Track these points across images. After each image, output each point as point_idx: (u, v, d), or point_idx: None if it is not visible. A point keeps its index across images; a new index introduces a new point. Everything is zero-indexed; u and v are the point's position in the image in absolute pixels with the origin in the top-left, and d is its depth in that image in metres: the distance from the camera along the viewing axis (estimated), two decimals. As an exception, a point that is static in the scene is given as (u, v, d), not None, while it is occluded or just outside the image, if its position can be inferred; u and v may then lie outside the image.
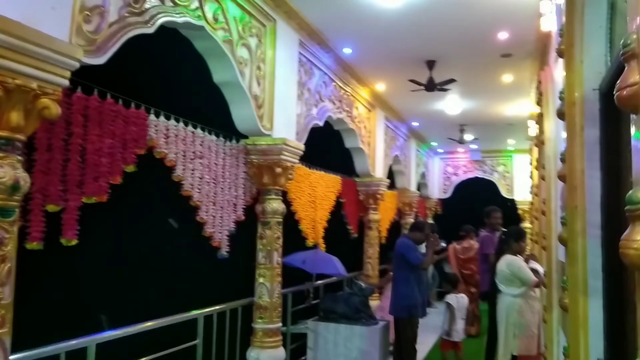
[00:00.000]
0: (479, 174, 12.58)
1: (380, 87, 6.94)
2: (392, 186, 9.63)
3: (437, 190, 12.82)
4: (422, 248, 5.54)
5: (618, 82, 1.16)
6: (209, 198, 4.11)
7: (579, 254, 2.44)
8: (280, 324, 4.58)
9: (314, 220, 5.99)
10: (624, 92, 1.13)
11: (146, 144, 3.43)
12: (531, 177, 9.79)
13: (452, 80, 5.84)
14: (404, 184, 9.79)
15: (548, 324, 4.24)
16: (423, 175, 11.68)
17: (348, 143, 6.89)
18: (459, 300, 5.77)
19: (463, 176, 12.75)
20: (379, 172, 7.66)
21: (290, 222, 5.69)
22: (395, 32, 4.92)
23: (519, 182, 12.05)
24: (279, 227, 4.56)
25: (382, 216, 8.73)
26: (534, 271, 4.60)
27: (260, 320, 4.45)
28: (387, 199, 9.03)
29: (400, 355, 5.35)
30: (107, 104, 3.12)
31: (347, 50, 5.56)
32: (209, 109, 4.71)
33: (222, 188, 4.26)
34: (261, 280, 4.47)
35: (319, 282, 6.11)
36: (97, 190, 3.00)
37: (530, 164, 9.53)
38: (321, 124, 5.56)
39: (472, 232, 8.32)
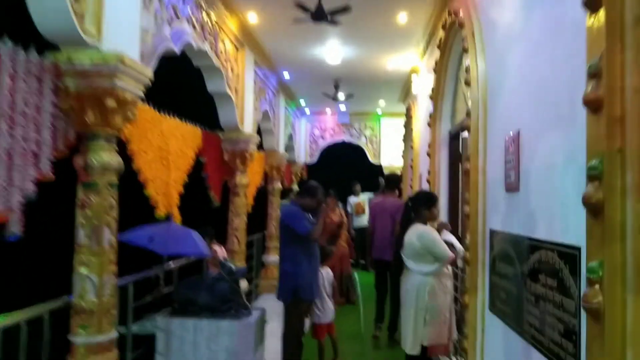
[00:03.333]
0: (347, 138, 11.92)
1: (253, 17, 5.55)
2: (259, 146, 8.37)
3: (304, 154, 11.89)
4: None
5: None
6: (-16, 141, 2.44)
7: (628, 224, 1.48)
8: (115, 334, 3.10)
9: (166, 184, 4.48)
10: None
11: None
12: (405, 140, 9.32)
13: (346, 9, 4.71)
14: (273, 145, 8.58)
15: (471, 309, 3.43)
16: (291, 137, 10.60)
17: (211, 85, 5.41)
18: (324, 276, 4.81)
19: (330, 140, 11.98)
20: (248, 127, 6.33)
21: (131, 185, 4.14)
22: None
23: (386, 146, 11.66)
24: (112, 191, 3.04)
25: (249, 180, 7.45)
26: (449, 244, 3.77)
27: (82, 331, 2.93)
28: (254, 161, 7.75)
29: (285, 348, 4.26)
30: None
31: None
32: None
33: (11, 127, 2.60)
34: (83, 270, 2.93)
35: (173, 264, 4.65)
36: None
37: (405, 125, 9.00)
38: (177, 50, 4.03)
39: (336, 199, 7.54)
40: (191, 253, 4.44)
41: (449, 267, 3.91)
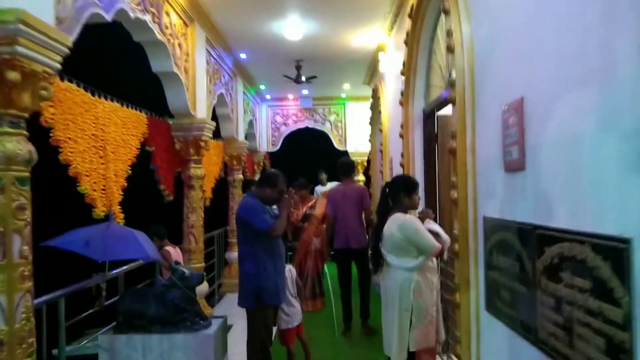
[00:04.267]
0: (310, 124, 11.37)
1: (201, -13, 4.92)
2: (216, 135, 7.74)
3: (266, 142, 11.28)
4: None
5: None
6: None
7: None
8: (35, 366, 2.49)
9: (104, 178, 3.85)
10: None
11: None
12: (372, 123, 8.85)
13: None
14: (232, 133, 7.95)
15: (463, 308, 2.99)
16: (251, 124, 9.97)
17: (156, 64, 4.76)
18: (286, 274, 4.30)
19: (293, 126, 11.40)
20: (202, 111, 5.70)
21: (59, 180, 3.52)
22: None
23: (352, 132, 11.19)
24: (22, 189, 2.41)
25: (205, 172, 6.84)
26: (434, 234, 3.31)
27: (-12, 367, 2.32)
28: (212, 150, 7.13)
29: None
30: None
31: None
32: None
33: None
34: (-13, 290, 2.31)
35: (118, 270, 4.03)
36: None
37: (372, 108, 8.54)
38: (108, 18, 3.38)
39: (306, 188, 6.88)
40: (135, 257, 3.83)
41: (434, 260, 3.45)
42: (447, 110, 4.52)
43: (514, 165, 2.30)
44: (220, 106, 7.42)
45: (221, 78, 7.06)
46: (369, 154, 9.49)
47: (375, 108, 8.07)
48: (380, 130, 7.06)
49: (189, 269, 3.70)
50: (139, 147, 4.55)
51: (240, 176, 8.62)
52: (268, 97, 10.97)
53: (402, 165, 5.16)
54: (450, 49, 3.13)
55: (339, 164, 5.95)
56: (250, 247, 3.67)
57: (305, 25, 6.13)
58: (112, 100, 4.07)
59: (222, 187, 8.01)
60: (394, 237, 3.28)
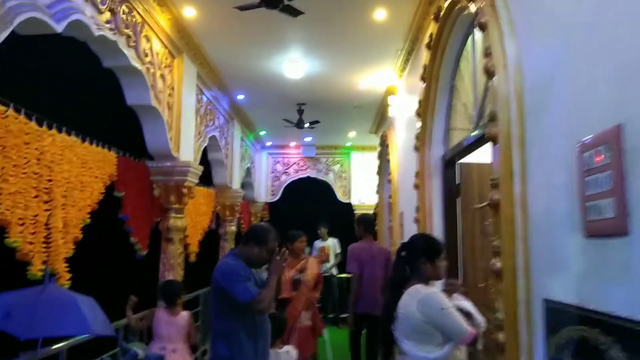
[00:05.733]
0: (312, 174, 10.66)
1: (190, 12, 4.33)
2: (208, 182, 7.03)
3: (264, 192, 10.54)
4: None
5: None
6: None
7: None
8: None
9: (48, 228, 3.07)
10: None
11: None
12: (379, 172, 8.13)
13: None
14: (224, 180, 7.22)
15: None
16: (248, 172, 9.28)
17: (132, 97, 4.10)
18: (282, 356, 3.40)
19: (294, 175, 10.69)
20: (187, 154, 5.00)
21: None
22: None
23: (356, 183, 10.46)
24: None
25: (191, 223, 6.06)
26: (464, 314, 2.48)
27: None
28: (200, 198, 6.39)
29: None
30: None
31: None
32: None
33: None
34: None
35: (59, 346, 3.16)
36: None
37: (380, 156, 7.84)
38: (58, 28, 2.71)
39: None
40: (73, 333, 2.97)
41: (463, 350, 2.60)
42: (472, 157, 3.80)
43: (607, 228, 1.52)
44: (213, 150, 6.74)
45: (215, 120, 6.42)
46: (375, 207, 8.71)
47: (383, 156, 7.37)
48: (389, 181, 6.32)
49: (145, 348, 2.85)
50: (103, 191, 3.80)
51: (234, 228, 7.81)
52: (269, 143, 10.34)
53: (416, 221, 4.37)
54: (489, 73, 2.42)
55: (361, 219, 5.13)
56: (225, 323, 2.83)
57: (308, 63, 5.54)
58: (68, 133, 3.36)
59: (211, 240, 7.20)
60: (412, 318, 2.44)
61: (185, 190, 4.84)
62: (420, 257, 2.64)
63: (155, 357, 2.76)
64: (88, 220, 3.53)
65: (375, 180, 8.57)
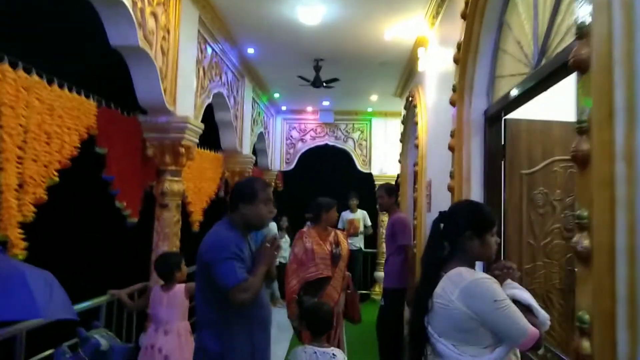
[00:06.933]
0: (331, 141, 9.98)
1: None
2: (215, 145, 6.43)
3: (279, 159, 9.92)
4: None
5: None
6: None
7: None
8: None
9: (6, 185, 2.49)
10: None
11: None
12: (403, 139, 7.41)
13: None
14: (234, 144, 6.60)
15: None
16: (261, 138, 8.64)
17: (115, 36, 3.44)
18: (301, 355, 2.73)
19: (311, 143, 10.02)
20: (184, 107, 4.37)
21: None
22: None
23: (377, 152, 9.76)
24: None
25: (194, 189, 5.50)
26: (522, 307, 1.84)
27: None
28: (205, 163, 5.81)
29: None
30: None
31: None
32: None
33: None
34: None
35: (10, 329, 2.60)
36: None
37: (404, 121, 7.12)
38: None
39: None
40: (13, 318, 2.39)
41: (518, 354, 1.96)
42: (522, 112, 3.09)
43: None
44: (221, 110, 6.11)
45: (222, 75, 5.75)
46: (398, 176, 8.01)
47: (408, 120, 6.63)
48: (416, 146, 5.61)
49: (110, 338, 2.27)
50: (78, 145, 3.20)
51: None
52: (284, 108, 9.66)
53: (450, 189, 3.69)
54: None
55: (390, 189, 4.94)
56: (213, 310, 2.24)
57: (325, 6, 4.80)
58: (27, 72, 2.74)
59: (218, 209, 6.63)
60: (452, 310, 1.80)
61: (182, 150, 4.23)
62: (464, 231, 1.99)
63: (122, 348, 2.20)
64: (56, 179, 2.94)
65: (398, 148, 7.86)
